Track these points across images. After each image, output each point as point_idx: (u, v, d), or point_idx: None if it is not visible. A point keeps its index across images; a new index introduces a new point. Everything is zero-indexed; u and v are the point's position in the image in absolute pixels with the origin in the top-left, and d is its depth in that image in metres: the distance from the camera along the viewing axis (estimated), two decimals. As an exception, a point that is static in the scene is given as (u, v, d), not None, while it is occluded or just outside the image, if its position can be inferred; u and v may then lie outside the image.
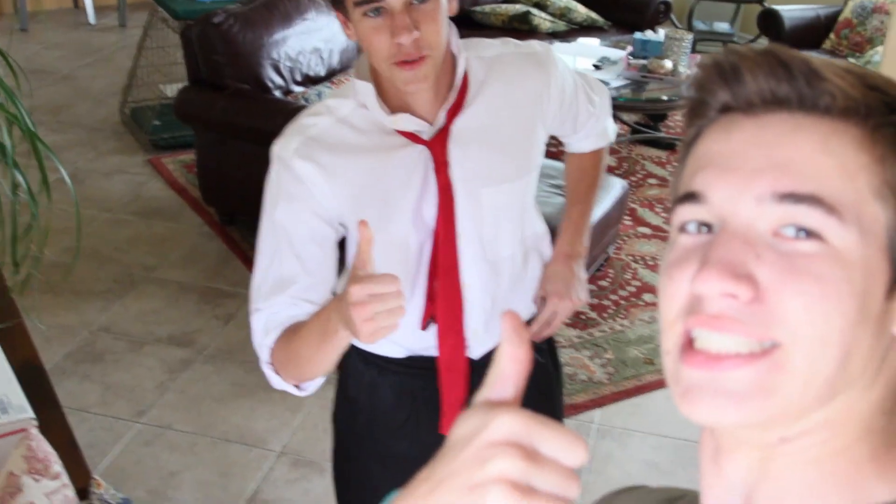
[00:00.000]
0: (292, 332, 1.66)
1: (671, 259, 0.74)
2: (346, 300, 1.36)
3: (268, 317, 1.70)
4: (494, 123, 1.77)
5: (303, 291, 1.70)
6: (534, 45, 1.86)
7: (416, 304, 1.79)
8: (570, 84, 1.90)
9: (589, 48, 5.88)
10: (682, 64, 5.35)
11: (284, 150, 1.70)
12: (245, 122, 4.33)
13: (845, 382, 0.69)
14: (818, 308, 0.67)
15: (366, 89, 1.70)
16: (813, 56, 0.72)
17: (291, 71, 4.66)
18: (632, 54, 5.47)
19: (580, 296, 1.98)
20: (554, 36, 6.51)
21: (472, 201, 1.76)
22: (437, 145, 1.72)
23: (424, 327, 1.81)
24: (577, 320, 4.09)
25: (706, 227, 0.72)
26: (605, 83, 5.12)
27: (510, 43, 1.85)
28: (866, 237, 0.68)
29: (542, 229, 2.00)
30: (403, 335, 1.82)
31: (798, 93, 0.70)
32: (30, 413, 1.89)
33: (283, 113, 4.22)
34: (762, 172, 0.69)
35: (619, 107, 5.20)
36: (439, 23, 1.61)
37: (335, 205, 1.71)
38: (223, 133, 4.51)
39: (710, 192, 0.72)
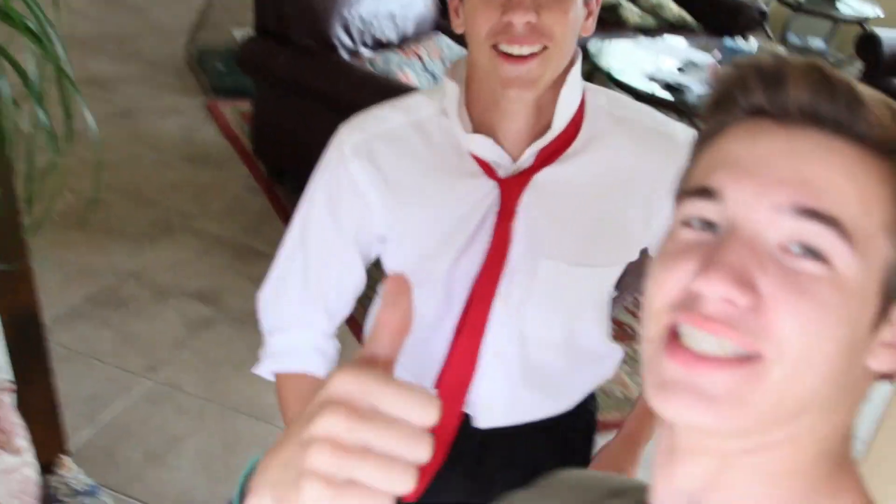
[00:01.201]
0: (288, 384, 1.58)
1: (670, 250, 0.73)
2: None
3: (282, 349, 1.60)
4: (591, 191, 1.48)
5: (322, 325, 1.59)
6: (676, 127, 1.55)
7: (435, 361, 1.56)
8: None
9: (675, 48, 5.62)
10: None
11: (346, 141, 1.49)
12: (307, 80, 4.16)
13: (815, 403, 0.70)
14: (812, 331, 0.67)
15: (452, 91, 1.45)
16: (856, 81, 0.72)
17: (362, 33, 4.47)
18: (720, 61, 5.20)
19: None
20: (641, 31, 6.24)
21: (526, 267, 1.49)
22: (511, 188, 1.45)
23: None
24: (621, 332, 3.88)
25: (710, 226, 0.72)
26: (688, 88, 4.91)
27: (652, 112, 1.56)
28: (868, 269, 0.69)
29: (604, 350, 1.69)
30: None
31: (836, 114, 0.70)
32: (8, 375, 1.74)
33: (346, 76, 4.06)
34: (786, 183, 0.69)
35: (699, 114, 4.95)
36: (567, 14, 1.34)
37: (381, 218, 1.49)
38: (283, 88, 4.35)
39: (728, 193, 0.71)
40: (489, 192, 1.45)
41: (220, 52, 5.73)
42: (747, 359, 0.68)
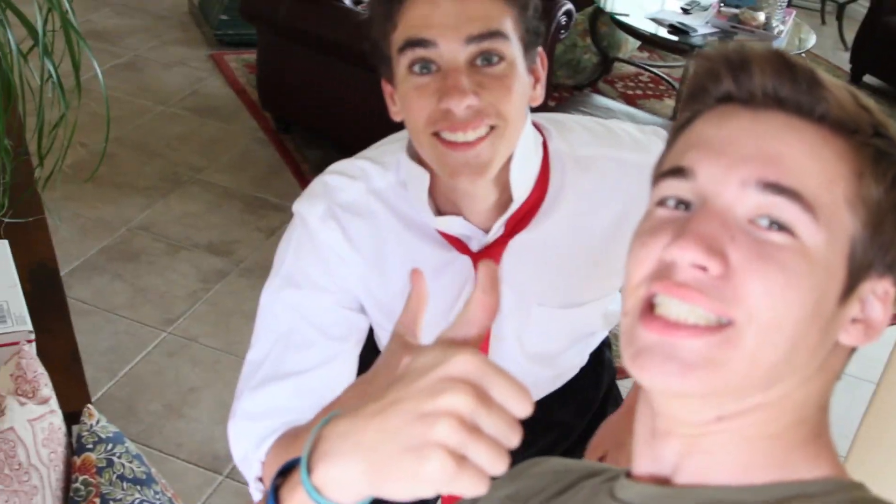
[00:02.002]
0: (291, 437, 1.29)
1: (646, 227, 0.78)
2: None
3: (262, 415, 1.33)
4: (571, 242, 1.39)
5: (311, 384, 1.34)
6: (649, 147, 1.39)
7: None
8: None
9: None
10: (776, 18, 5.02)
11: (310, 213, 1.37)
12: (309, 28, 4.12)
13: (787, 371, 0.74)
14: (779, 295, 0.70)
15: (418, 178, 1.32)
16: (816, 67, 0.76)
17: (365, -22, 4.43)
18: (723, 1, 5.15)
19: None
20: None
21: (519, 313, 1.42)
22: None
23: None
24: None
25: (684, 205, 0.76)
26: (693, 29, 4.87)
27: (616, 140, 1.41)
28: (833, 241, 0.72)
29: (606, 322, 1.59)
30: None
31: (798, 96, 0.75)
32: (28, 325, 1.74)
33: (349, 22, 4.02)
34: (751, 159, 0.73)
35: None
36: (511, 90, 1.22)
37: (360, 285, 1.38)
38: (286, 37, 4.31)
39: (698, 170, 0.75)
40: (464, 266, 1.37)
41: (221, 1, 5.69)
42: (720, 326, 0.71)
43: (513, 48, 1.23)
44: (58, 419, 1.59)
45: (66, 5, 2.08)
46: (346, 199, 1.37)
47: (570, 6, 4.16)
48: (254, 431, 1.34)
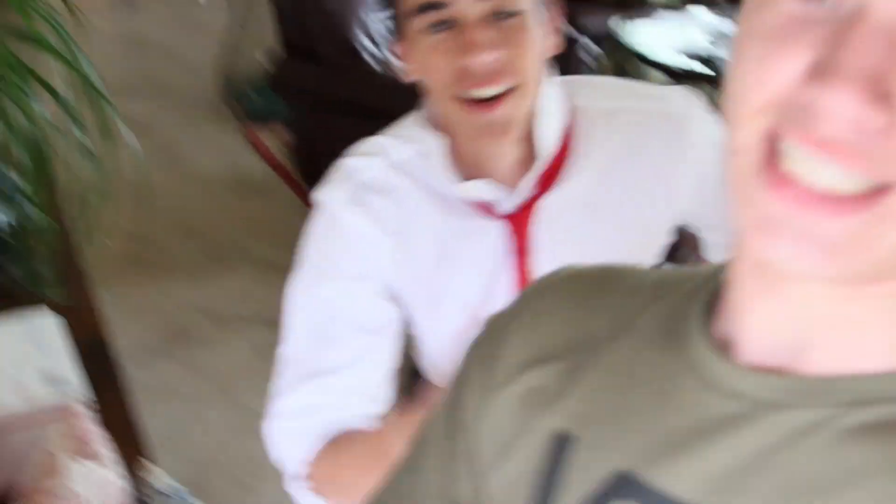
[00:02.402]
0: (347, 442, 1.32)
1: (769, 26, 0.52)
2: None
3: (299, 414, 1.37)
4: (601, 198, 1.36)
5: (352, 386, 1.36)
6: (673, 99, 1.40)
7: None
8: (716, 156, 1.48)
9: (702, 21, 5.48)
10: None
11: (332, 199, 1.37)
12: (339, 94, 4.12)
13: None
14: None
15: (435, 144, 1.32)
16: None
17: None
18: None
19: None
20: (664, 7, 6.13)
21: None
22: (518, 224, 1.33)
23: None
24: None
25: None
26: (723, 59, 4.79)
27: (639, 93, 1.41)
28: None
29: None
30: None
31: None
32: (82, 390, 1.70)
33: (378, 84, 4.00)
34: None
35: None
36: (529, 43, 1.22)
37: (389, 265, 1.37)
38: (318, 107, 4.31)
39: None
40: (494, 230, 1.34)
41: (250, 79, 5.71)
42: (872, 194, 0.50)
43: (527, 0, 1.22)
44: (114, 476, 1.53)
45: (86, 69, 2.05)
46: (367, 177, 1.36)
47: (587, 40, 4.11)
48: (292, 430, 1.37)
